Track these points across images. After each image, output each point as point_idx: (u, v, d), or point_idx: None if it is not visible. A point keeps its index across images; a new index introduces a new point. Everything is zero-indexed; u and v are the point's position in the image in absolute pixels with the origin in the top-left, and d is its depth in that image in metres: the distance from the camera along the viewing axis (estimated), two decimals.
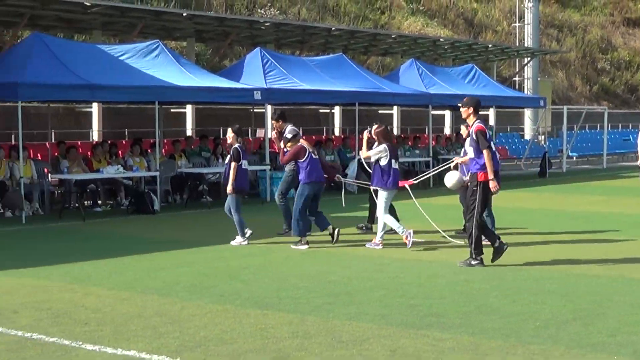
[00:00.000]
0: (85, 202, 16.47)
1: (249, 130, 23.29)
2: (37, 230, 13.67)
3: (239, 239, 11.81)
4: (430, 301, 7.97)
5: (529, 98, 29.69)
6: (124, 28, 21.60)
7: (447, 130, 29.79)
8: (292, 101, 21.33)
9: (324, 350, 6.24)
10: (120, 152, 18.37)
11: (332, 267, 9.95)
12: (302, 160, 11.70)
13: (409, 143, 23.77)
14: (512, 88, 32.25)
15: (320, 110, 28.69)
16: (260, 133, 23.25)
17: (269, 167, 18.29)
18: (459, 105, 10.50)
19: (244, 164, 11.92)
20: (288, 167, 12.44)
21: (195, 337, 6.66)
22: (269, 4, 34.77)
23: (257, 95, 17.87)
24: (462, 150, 11.70)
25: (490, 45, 31.09)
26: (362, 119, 22.43)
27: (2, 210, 15.51)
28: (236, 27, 22.78)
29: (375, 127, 11.71)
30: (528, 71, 35.26)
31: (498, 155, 10.46)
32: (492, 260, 9.95)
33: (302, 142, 11.95)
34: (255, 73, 19.02)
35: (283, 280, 9.11)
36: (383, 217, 11.48)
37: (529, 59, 34.34)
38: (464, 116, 10.37)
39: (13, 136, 19.34)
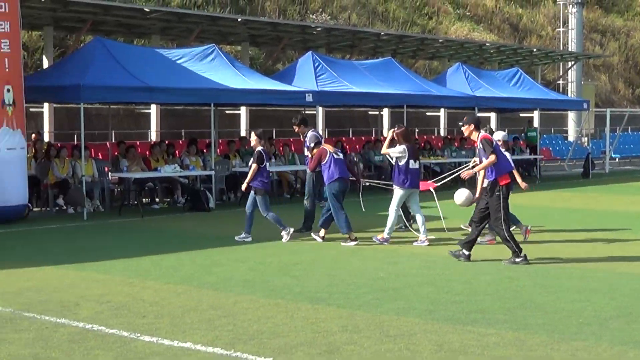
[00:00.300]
0: (144, 200, 16.88)
1: None
2: (97, 226, 14.04)
3: (285, 235, 12.05)
4: (475, 297, 8.09)
5: (572, 101, 29.54)
6: (182, 33, 22.04)
7: None
8: (342, 103, 21.63)
9: (373, 344, 6.39)
10: (177, 151, 18.67)
11: (381, 264, 10.12)
12: (324, 162, 12.03)
13: (456, 144, 23.96)
14: (556, 91, 32.06)
15: (370, 112, 28.87)
16: None
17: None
18: (460, 124, 10.65)
19: (267, 165, 12.25)
20: (308, 173, 12.86)
21: (248, 330, 6.80)
22: (321, 10, 35.07)
23: (309, 98, 18.18)
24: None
25: (534, 50, 30.94)
26: (410, 120, 22.58)
27: (64, 207, 15.98)
28: (289, 32, 23.14)
29: (396, 128, 12.01)
30: (572, 75, 35.04)
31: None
32: (451, 251, 10.32)
33: (324, 145, 12.36)
34: (307, 76, 19.26)
35: (333, 276, 9.28)
36: (390, 212, 11.69)
37: (572, 63, 34.12)
38: (465, 134, 10.44)
39: (75, 136, 19.83)
